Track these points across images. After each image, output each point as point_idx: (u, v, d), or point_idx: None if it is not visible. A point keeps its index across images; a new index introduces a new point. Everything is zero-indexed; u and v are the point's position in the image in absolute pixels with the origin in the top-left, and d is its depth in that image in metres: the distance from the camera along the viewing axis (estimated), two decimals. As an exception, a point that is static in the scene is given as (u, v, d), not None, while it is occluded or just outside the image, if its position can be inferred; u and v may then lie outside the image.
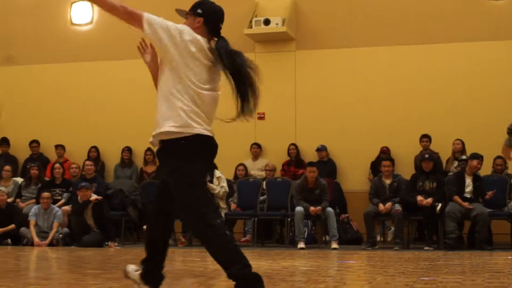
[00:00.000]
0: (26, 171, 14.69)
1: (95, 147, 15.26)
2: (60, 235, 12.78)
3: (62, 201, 13.54)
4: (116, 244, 12.44)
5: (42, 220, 12.84)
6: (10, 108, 16.05)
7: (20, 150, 15.70)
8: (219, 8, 5.24)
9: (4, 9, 16.38)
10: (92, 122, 15.52)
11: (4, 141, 15.67)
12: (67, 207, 13.18)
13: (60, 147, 15.27)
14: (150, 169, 14.83)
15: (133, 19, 4.87)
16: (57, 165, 14.11)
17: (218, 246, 4.84)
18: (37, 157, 15.38)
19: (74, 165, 14.54)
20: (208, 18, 5.12)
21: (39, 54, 16.09)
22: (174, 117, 4.91)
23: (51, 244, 12.57)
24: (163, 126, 4.95)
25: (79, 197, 12.73)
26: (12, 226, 13.04)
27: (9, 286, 6.17)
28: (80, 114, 15.63)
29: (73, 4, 16.16)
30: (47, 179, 14.29)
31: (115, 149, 15.17)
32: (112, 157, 15.33)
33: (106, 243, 12.35)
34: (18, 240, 12.99)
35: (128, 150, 15.09)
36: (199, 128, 4.93)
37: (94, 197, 12.68)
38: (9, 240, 13.09)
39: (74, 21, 16.17)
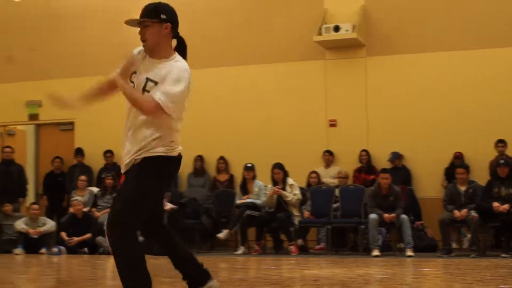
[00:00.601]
0: (101, 181, 14.92)
1: (168, 156, 15.36)
2: (148, 244, 12.92)
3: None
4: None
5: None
6: (85, 119, 16.32)
7: (95, 160, 15.95)
8: (173, 8, 4.96)
9: (86, 23, 16.67)
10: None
11: (79, 152, 15.95)
12: (142, 216, 13.32)
13: (135, 156, 15.43)
14: (223, 177, 14.93)
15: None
16: (130, 174, 14.28)
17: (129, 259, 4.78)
18: (112, 167, 15.60)
19: (148, 174, 14.70)
20: (174, 22, 4.89)
21: (108, 66, 16.28)
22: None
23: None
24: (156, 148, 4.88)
25: (153, 206, 12.85)
26: (89, 235, 13.28)
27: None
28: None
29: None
30: (121, 188, 14.46)
31: (187, 158, 15.25)
32: (184, 166, 15.36)
33: (181, 252, 12.42)
34: (95, 249, 13.19)
35: (200, 159, 15.20)
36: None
37: (168, 206, 12.81)
38: (86, 249, 13.30)
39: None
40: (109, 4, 16.46)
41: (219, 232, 13.31)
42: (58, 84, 16.51)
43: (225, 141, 15.18)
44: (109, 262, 11.29)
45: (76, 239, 13.27)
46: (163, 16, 4.79)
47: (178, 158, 4.96)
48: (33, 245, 13.30)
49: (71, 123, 16.71)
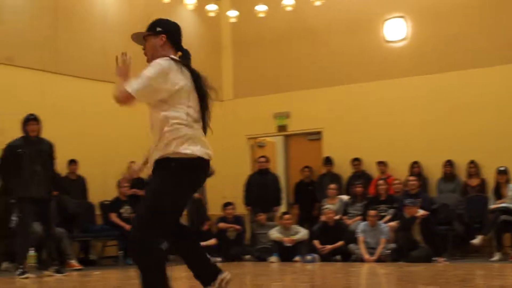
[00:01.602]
0: (350, 188, 15.03)
1: (417, 162, 15.20)
2: (388, 251, 12.89)
3: (388, 217, 13.67)
4: (444, 259, 12.27)
5: (369, 236, 13.06)
6: (332, 128, 16.54)
7: (344, 168, 16.08)
8: (175, 23, 5.26)
9: (331, 35, 16.92)
10: (412, 137, 15.48)
11: (328, 160, 16.14)
12: (393, 223, 13.28)
13: (382, 164, 15.42)
14: (474, 182, 14.48)
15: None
16: (381, 181, 14.28)
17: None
18: (360, 174, 15.67)
19: (397, 181, 14.62)
20: (169, 33, 5.15)
21: (356, 73, 16.42)
22: None
23: (379, 260, 12.72)
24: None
25: (405, 213, 12.77)
26: (341, 242, 13.39)
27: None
28: (399, 130, 15.68)
29: (386, 22, 16.31)
30: (371, 195, 14.51)
31: (436, 163, 15.01)
32: (434, 171, 15.18)
33: (434, 258, 12.23)
34: (348, 256, 13.29)
35: (449, 163, 14.86)
36: None
37: (420, 212, 12.66)
38: (338, 257, 13.43)
39: (387, 38, 16.30)
40: (350, 17, 16.59)
41: (472, 238, 12.95)
42: (304, 95, 16.92)
43: (475, 144, 14.75)
44: (363, 270, 11.34)
45: (328, 246, 13.43)
46: (158, 29, 5.13)
47: (197, 161, 4.94)
48: (287, 253, 13.63)
49: (319, 133, 16.98)
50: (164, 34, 5.12)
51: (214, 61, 18.03)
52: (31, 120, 10.50)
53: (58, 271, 10.36)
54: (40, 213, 10.46)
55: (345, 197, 14.90)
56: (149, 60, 5.08)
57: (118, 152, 14.55)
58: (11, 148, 10.46)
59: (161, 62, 4.89)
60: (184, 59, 5.14)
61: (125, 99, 4.82)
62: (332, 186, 15.00)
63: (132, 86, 4.81)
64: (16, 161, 10.31)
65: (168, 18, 5.32)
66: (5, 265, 11.96)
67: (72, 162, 13.76)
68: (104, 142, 14.65)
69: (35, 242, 10.92)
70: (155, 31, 5.14)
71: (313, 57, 16.95)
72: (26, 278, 9.82)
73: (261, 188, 15.04)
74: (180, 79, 4.90)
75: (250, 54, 17.91)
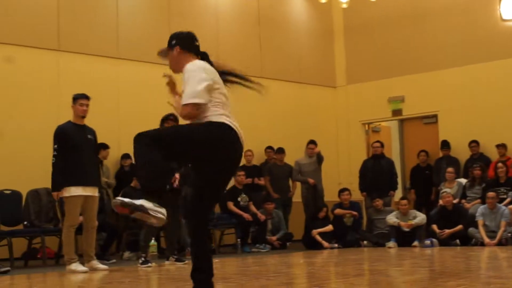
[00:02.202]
0: (468, 172, 14.76)
1: (533, 143, 14.84)
2: (509, 234, 12.62)
3: (508, 199, 13.37)
4: None
5: (489, 219, 12.82)
6: (448, 111, 16.28)
7: (461, 151, 15.80)
8: (187, 32, 5.65)
9: (443, 19, 16.67)
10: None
11: (445, 144, 15.89)
12: (513, 206, 13.01)
13: (501, 146, 15.07)
14: None
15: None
16: (500, 164, 13.97)
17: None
18: (478, 157, 15.36)
19: (516, 163, 14.30)
20: (182, 43, 5.52)
21: (472, 54, 16.08)
22: None
23: (500, 244, 12.47)
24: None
25: (525, 195, 12.51)
26: (460, 226, 13.19)
27: (468, 285, 6.22)
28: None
29: (502, 0, 15.91)
30: (490, 178, 14.22)
31: None
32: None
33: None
34: (467, 240, 13.07)
35: None
36: None
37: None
38: (457, 241, 13.23)
39: (504, 17, 15.89)
40: (460, 2, 16.32)
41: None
42: (419, 78, 16.73)
43: None
44: (483, 254, 11.15)
45: (447, 231, 13.24)
46: (172, 42, 5.56)
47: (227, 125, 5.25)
48: (405, 238, 13.52)
49: (435, 116, 16.75)
50: (177, 45, 5.53)
51: (326, 47, 18.03)
52: (169, 119, 10.62)
53: (178, 260, 10.60)
54: (169, 203, 10.64)
55: (463, 180, 14.65)
56: (174, 71, 5.57)
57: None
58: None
59: (188, 66, 5.30)
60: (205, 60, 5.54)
61: (193, 110, 5.19)
62: (450, 169, 14.77)
63: (190, 96, 5.20)
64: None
65: (182, 30, 5.68)
66: (127, 254, 12.34)
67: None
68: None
69: (157, 232, 11.23)
70: (170, 44, 5.58)
71: (427, 39, 16.72)
72: (149, 267, 10.09)
73: (376, 173, 14.91)
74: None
75: (363, 39, 17.81)
